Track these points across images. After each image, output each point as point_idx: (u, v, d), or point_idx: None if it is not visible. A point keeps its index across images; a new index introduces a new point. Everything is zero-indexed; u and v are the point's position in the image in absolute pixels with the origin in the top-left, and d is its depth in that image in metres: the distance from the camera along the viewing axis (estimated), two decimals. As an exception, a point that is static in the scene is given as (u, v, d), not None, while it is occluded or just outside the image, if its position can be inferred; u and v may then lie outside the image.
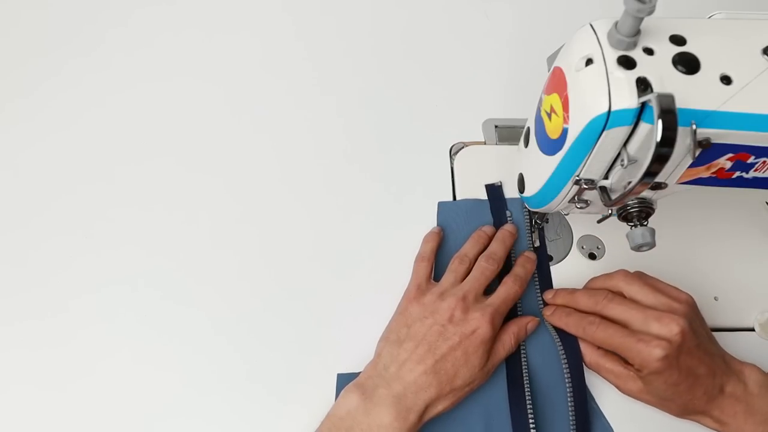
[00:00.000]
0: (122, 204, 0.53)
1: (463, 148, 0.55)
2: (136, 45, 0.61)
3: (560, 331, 0.46)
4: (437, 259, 0.49)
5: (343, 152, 0.56)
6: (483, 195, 0.52)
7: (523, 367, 0.45)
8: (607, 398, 0.46)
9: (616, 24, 0.32)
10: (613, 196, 0.37)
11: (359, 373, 0.43)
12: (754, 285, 0.50)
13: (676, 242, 0.50)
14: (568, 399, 0.44)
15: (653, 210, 0.39)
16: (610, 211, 0.41)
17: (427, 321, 0.42)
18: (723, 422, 0.41)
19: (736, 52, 0.34)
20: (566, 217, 0.52)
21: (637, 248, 0.39)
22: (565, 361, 0.44)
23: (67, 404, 0.45)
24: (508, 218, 0.51)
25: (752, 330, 0.48)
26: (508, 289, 0.45)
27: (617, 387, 0.43)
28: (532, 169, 0.42)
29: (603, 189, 0.37)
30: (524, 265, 0.47)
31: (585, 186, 0.37)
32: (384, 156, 0.55)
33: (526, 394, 0.44)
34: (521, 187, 0.45)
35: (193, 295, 0.49)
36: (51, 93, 0.58)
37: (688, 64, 0.32)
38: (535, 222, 0.51)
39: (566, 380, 0.44)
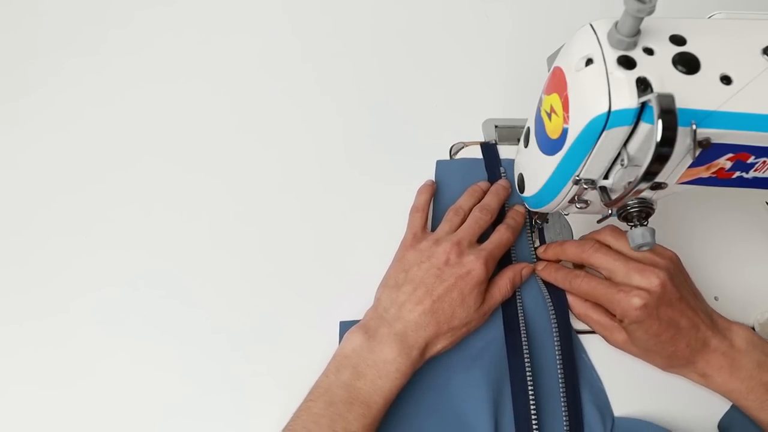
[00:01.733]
0: (122, 204, 0.53)
1: (463, 147, 0.55)
2: (136, 46, 0.61)
3: (549, 286, 0.48)
4: (433, 215, 0.51)
5: (343, 153, 0.56)
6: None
7: (519, 315, 0.47)
8: (598, 352, 0.47)
9: (616, 24, 0.32)
10: (613, 196, 0.37)
11: (360, 320, 0.45)
12: (754, 285, 0.50)
13: (676, 242, 0.50)
14: (556, 349, 0.45)
15: (653, 210, 0.39)
16: (610, 211, 0.41)
17: (424, 265, 0.44)
18: (707, 375, 0.42)
19: (736, 52, 0.34)
20: (566, 217, 0.52)
21: (637, 248, 0.39)
22: (553, 313, 0.46)
23: (68, 404, 0.45)
24: (502, 174, 0.53)
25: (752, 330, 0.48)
26: (501, 235, 0.47)
27: (604, 338, 0.46)
28: (532, 169, 0.42)
29: (603, 189, 0.37)
30: (515, 217, 0.50)
31: (585, 186, 0.37)
32: (384, 156, 0.55)
33: (523, 339, 0.45)
34: (521, 187, 0.45)
35: (193, 295, 0.49)
36: (51, 93, 0.58)
37: (688, 64, 0.32)
38: (535, 222, 0.51)
39: (554, 331, 0.45)
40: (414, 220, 0.49)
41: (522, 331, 0.46)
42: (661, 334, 0.41)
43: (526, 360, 0.44)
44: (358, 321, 0.45)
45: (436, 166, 0.54)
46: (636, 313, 0.40)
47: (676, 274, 0.43)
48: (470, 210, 0.49)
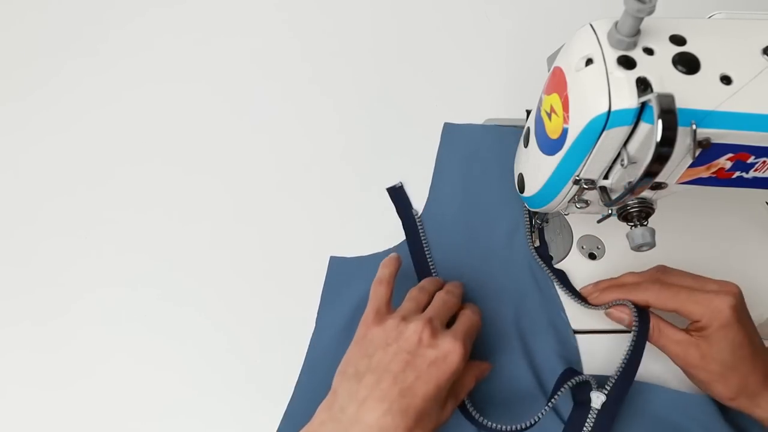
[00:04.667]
0: (122, 205, 0.53)
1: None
2: (136, 48, 0.61)
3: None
4: (432, 183, 0.52)
5: (342, 153, 0.56)
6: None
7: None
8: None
9: (616, 24, 0.32)
10: (613, 196, 0.37)
11: (352, 257, 0.42)
12: (754, 285, 0.50)
13: (676, 242, 0.50)
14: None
15: (653, 210, 0.39)
16: (610, 211, 0.41)
17: (391, 348, 0.36)
18: None
19: (736, 52, 0.33)
20: (566, 217, 0.52)
21: (637, 248, 0.39)
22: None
23: (68, 405, 0.45)
24: (416, 216, 0.52)
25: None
26: (470, 317, 0.41)
27: (676, 357, 0.40)
28: (532, 169, 0.42)
29: (603, 189, 0.37)
30: (453, 290, 0.43)
31: (585, 186, 0.37)
32: (384, 156, 0.55)
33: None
34: (521, 187, 0.45)
35: (192, 296, 0.49)
36: (52, 94, 0.58)
37: (688, 64, 0.32)
38: (535, 222, 0.51)
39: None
40: (377, 293, 0.41)
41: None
42: (744, 346, 0.38)
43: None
44: (349, 258, 0.43)
45: (443, 129, 0.55)
46: (728, 313, 0.37)
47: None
48: (434, 292, 0.43)
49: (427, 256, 0.49)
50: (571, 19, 0.40)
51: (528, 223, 0.51)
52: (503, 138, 0.54)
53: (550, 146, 0.38)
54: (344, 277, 0.48)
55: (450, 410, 0.38)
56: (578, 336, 0.47)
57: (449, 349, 0.36)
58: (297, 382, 0.45)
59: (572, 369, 0.42)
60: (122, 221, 0.52)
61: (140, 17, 0.63)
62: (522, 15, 0.63)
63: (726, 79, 0.32)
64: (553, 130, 0.37)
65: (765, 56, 0.33)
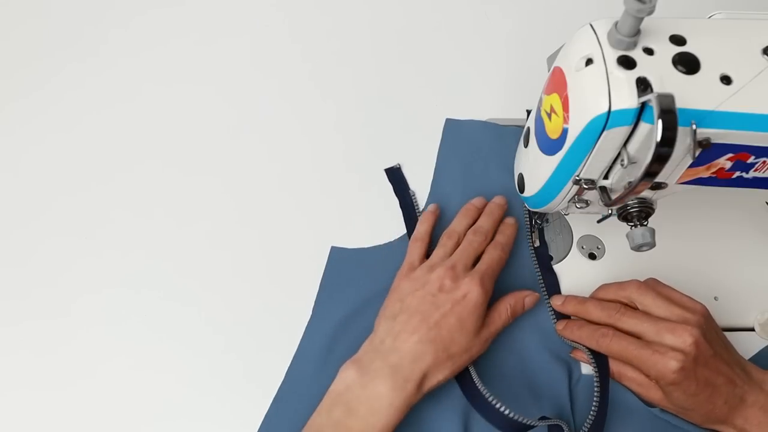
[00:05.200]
0: (123, 206, 0.53)
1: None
2: (136, 49, 0.61)
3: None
4: (434, 177, 0.53)
5: (342, 154, 0.56)
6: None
7: None
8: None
9: (616, 24, 0.32)
10: (613, 196, 0.37)
11: (353, 249, 0.48)
12: (754, 285, 0.50)
13: (676, 242, 0.50)
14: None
15: (653, 210, 0.39)
16: (610, 211, 0.41)
17: (419, 293, 0.43)
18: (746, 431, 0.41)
19: (736, 52, 0.34)
20: (566, 217, 0.52)
21: (637, 248, 0.39)
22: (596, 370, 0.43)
23: (68, 405, 0.45)
24: (412, 196, 0.53)
25: (752, 330, 0.48)
26: (491, 255, 0.46)
27: (640, 395, 0.43)
28: (532, 169, 0.42)
29: (603, 189, 0.37)
30: (504, 231, 0.49)
31: (585, 186, 0.37)
32: (384, 157, 0.55)
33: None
34: (521, 187, 0.45)
35: (193, 296, 0.49)
36: (52, 95, 0.58)
37: (688, 64, 0.32)
38: (535, 222, 0.51)
39: (595, 380, 0.43)
40: (412, 250, 0.48)
41: None
42: (699, 394, 0.39)
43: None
44: (349, 249, 0.46)
45: (445, 125, 0.56)
46: (673, 376, 0.38)
47: (708, 329, 0.41)
48: (464, 232, 0.48)
49: None
50: (571, 19, 0.40)
51: (528, 223, 0.51)
52: (504, 136, 0.55)
53: (550, 146, 0.38)
54: (344, 268, 0.50)
55: (485, 337, 0.43)
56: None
57: (467, 290, 0.42)
58: (288, 369, 0.46)
59: (545, 417, 0.42)
60: (123, 221, 0.52)
61: (140, 18, 0.63)
62: (522, 15, 0.63)
63: (726, 79, 0.32)
64: (553, 130, 0.37)
65: (765, 56, 0.33)
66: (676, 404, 0.41)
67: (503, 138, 0.54)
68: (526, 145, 0.43)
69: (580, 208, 0.41)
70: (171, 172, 0.54)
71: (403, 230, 0.51)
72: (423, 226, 0.49)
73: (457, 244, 0.47)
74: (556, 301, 0.47)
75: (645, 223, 0.39)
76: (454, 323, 0.41)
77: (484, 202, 0.51)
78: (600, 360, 0.44)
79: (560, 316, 0.47)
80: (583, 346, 0.44)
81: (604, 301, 0.45)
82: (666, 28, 0.34)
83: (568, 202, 0.41)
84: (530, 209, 0.50)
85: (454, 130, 0.56)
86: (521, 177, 0.44)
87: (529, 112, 0.54)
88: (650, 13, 0.30)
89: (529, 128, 0.42)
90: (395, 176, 0.54)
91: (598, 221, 0.43)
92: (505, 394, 0.43)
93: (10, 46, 0.61)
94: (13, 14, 0.63)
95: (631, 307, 0.43)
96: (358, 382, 0.40)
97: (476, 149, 0.54)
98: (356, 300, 0.48)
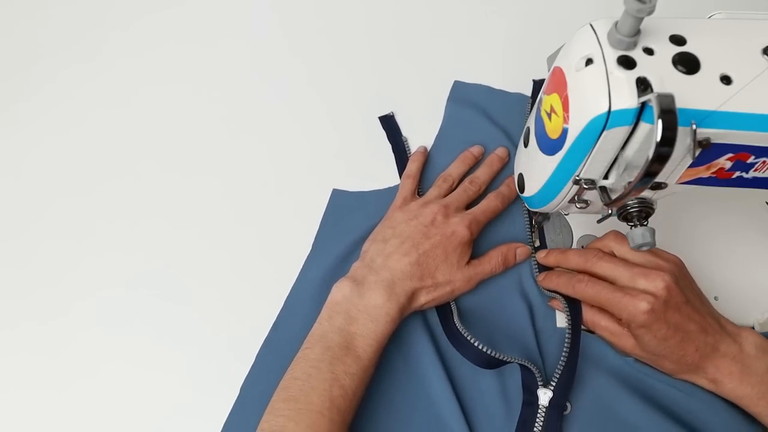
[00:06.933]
0: (122, 207, 0.53)
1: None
2: (135, 51, 0.61)
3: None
4: (435, 142, 0.55)
5: (341, 154, 0.56)
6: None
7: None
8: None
9: (616, 24, 0.32)
10: (613, 196, 0.37)
11: (353, 192, 0.51)
12: (754, 285, 0.50)
13: (676, 242, 0.50)
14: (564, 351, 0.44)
15: (653, 210, 0.39)
16: (610, 211, 0.41)
17: (412, 222, 0.46)
18: (717, 381, 0.41)
19: (736, 52, 0.33)
20: (566, 217, 0.52)
21: (637, 248, 0.39)
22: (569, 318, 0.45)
23: (69, 405, 0.45)
24: (404, 142, 0.55)
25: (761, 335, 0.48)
26: (489, 202, 0.49)
27: (613, 344, 0.44)
28: (532, 169, 0.42)
29: (603, 189, 0.37)
30: (509, 185, 0.51)
31: (585, 186, 0.37)
32: (384, 157, 0.55)
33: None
34: (521, 187, 0.45)
35: (193, 296, 0.49)
36: (52, 97, 0.58)
37: (688, 64, 0.32)
38: (536, 221, 0.51)
39: (566, 337, 0.44)
40: (405, 185, 0.51)
41: None
42: (669, 338, 0.40)
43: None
44: (351, 192, 0.50)
45: (452, 87, 0.57)
46: (643, 317, 0.39)
47: (681, 277, 0.42)
48: (459, 177, 0.51)
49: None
50: (571, 19, 0.40)
51: (528, 222, 0.51)
52: (509, 102, 0.56)
53: (550, 146, 0.38)
54: (344, 210, 0.52)
55: (469, 275, 0.46)
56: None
57: (455, 229, 0.46)
58: (284, 302, 0.48)
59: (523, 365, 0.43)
60: (122, 222, 0.52)
61: (139, 21, 0.63)
62: (521, 15, 0.63)
63: (726, 79, 0.32)
64: (553, 130, 0.37)
65: (765, 56, 0.33)
66: (648, 350, 0.42)
67: (508, 103, 0.56)
68: (526, 145, 0.43)
69: (580, 208, 0.41)
70: (171, 173, 0.54)
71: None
72: (414, 165, 0.52)
73: (451, 188, 0.50)
74: (540, 254, 0.49)
75: (645, 223, 0.39)
76: (440, 254, 0.45)
77: (482, 151, 0.53)
78: (574, 308, 0.45)
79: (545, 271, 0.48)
80: (560, 294, 0.46)
81: (584, 249, 0.46)
82: (666, 28, 0.34)
83: (568, 202, 0.41)
84: (530, 209, 0.50)
85: (461, 91, 0.57)
86: (521, 177, 0.44)
87: (534, 81, 0.55)
88: (650, 13, 0.30)
89: (529, 128, 0.42)
90: (389, 124, 0.56)
91: (598, 221, 0.43)
92: (480, 335, 0.45)
93: (10, 47, 0.61)
94: (14, 16, 0.63)
95: (608, 254, 0.44)
96: (355, 293, 0.42)
97: (482, 110, 0.56)
98: (354, 237, 0.50)
